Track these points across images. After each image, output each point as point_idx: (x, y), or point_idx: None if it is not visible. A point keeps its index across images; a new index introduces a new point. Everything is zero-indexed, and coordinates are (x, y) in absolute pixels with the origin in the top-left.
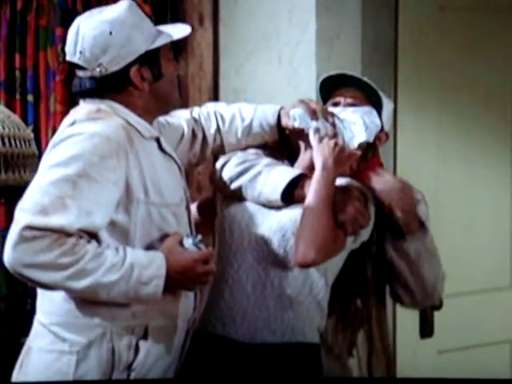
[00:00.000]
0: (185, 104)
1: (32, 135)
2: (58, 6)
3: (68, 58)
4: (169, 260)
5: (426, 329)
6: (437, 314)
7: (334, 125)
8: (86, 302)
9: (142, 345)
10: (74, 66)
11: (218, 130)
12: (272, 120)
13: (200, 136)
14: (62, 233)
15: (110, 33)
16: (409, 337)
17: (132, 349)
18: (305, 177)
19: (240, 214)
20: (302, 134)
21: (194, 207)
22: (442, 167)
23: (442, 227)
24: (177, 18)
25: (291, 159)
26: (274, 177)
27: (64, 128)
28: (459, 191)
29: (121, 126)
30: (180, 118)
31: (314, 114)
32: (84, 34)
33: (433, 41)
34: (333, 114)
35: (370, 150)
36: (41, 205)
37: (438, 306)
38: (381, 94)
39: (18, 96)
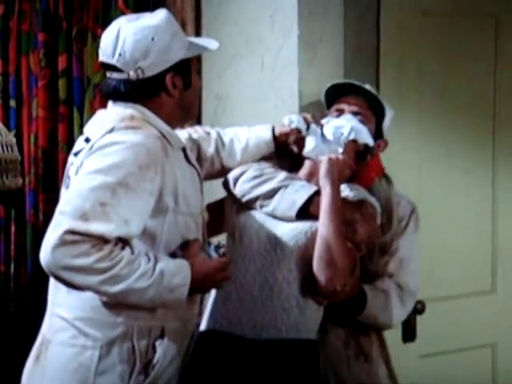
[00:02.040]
0: None
1: (14, 140)
2: (41, 11)
3: (103, 59)
4: (194, 268)
5: (409, 333)
6: (419, 319)
7: (322, 129)
8: (112, 301)
9: (159, 345)
10: (106, 68)
11: (218, 153)
12: (267, 136)
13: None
14: (101, 239)
15: (153, 38)
16: (391, 341)
17: (150, 348)
18: (318, 193)
19: (250, 223)
20: (300, 141)
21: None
22: (423, 172)
23: (424, 232)
24: None
25: (293, 165)
26: (289, 194)
27: (102, 134)
28: (441, 197)
29: (157, 137)
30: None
31: (306, 120)
32: (126, 37)
33: (415, 46)
34: (322, 124)
35: (368, 153)
36: (81, 210)
37: (421, 311)
38: (383, 102)
39: (0, 101)
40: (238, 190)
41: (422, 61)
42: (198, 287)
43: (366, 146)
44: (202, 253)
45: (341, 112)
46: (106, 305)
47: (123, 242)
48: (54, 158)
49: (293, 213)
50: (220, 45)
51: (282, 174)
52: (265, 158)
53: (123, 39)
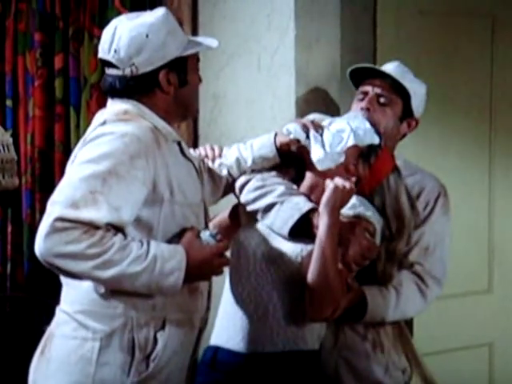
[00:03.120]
0: None
1: (11, 140)
2: (37, 11)
3: (101, 55)
4: (189, 254)
5: None
6: (416, 318)
7: (322, 134)
8: (111, 292)
9: (160, 337)
10: (104, 64)
11: (230, 174)
12: (271, 154)
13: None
14: (91, 225)
15: (147, 35)
16: None
17: (150, 340)
18: (314, 211)
19: (248, 240)
20: (303, 149)
21: (226, 212)
22: None
23: None
24: None
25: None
26: (283, 212)
27: (95, 127)
28: None
29: (149, 129)
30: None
31: (305, 127)
32: (121, 34)
33: (412, 45)
34: (322, 127)
35: (372, 153)
36: (72, 199)
37: None
38: (407, 84)
39: None
40: (242, 199)
41: (419, 60)
42: (196, 274)
43: (370, 145)
44: (198, 239)
45: (365, 94)
46: (104, 297)
47: (115, 228)
48: (51, 157)
49: (285, 232)
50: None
51: (281, 188)
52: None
53: (119, 36)
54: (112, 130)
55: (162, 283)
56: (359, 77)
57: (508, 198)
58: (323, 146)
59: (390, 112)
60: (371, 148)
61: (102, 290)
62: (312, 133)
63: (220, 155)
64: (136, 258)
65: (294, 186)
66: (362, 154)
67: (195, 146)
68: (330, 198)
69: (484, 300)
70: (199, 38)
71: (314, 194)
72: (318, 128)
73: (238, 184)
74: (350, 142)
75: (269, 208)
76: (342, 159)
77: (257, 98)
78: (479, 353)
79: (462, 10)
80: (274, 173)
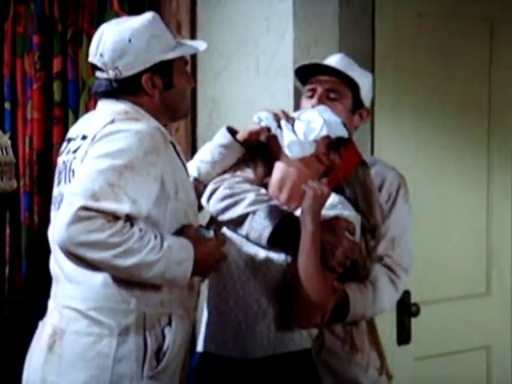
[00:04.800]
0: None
1: (9, 142)
2: (36, 14)
3: (90, 58)
4: (195, 247)
5: (403, 336)
6: (414, 321)
7: (293, 124)
8: (124, 287)
9: (168, 332)
10: (95, 68)
11: (197, 180)
12: (226, 140)
13: None
14: (113, 215)
15: (130, 40)
16: (386, 344)
17: (159, 336)
18: (288, 217)
19: (227, 250)
20: (273, 140)
21: None
22: (418, 174)
23: (419, 235)
24: None
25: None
26: (257, 223)
27: (103, 125)
28: (435, 199)
29: (157, 128)
30: None
31: (276, 116)
32: (106, 39)
33: (410, 48)
34: (293, 118)
35: (341, 144)
36: (91, 190)
37: (415, 313)
38: (353, 74)
39: None
40: (211, 209)
41: (417, 63)
42: (201, 266)
43: (339, 137)
44: (198, 235)
45: (313, 92)
46: (117, 292)
47: (131, 221)
48: (49, 160)
49: (263, 243)
50: (215, 47)
51: (251, 196)
52: (240, 162)
53: (104, 40)
54: (126, 127)
55: (176, 272)
56: (305, 74)
57: (506, 201)
58: (295, 134)
59: (340, 106)
60: (340, 140)
61: (116, 285)
62: (283, 122)
63: None
64: (153, 247)
65: (263, 190)
66: (332, 145)
67: (193, 148)
68: (310, 205)
69: (482, 303)
70: (188, 42)
71: (284, 186)
72: (289, 118)
73: (205, 193)
74: (324, 132)
75: (241, 219)
76: (313, 149)
77: (255, 100)
78: (477, 356)
79: (461, 12)
80: (240, 178)
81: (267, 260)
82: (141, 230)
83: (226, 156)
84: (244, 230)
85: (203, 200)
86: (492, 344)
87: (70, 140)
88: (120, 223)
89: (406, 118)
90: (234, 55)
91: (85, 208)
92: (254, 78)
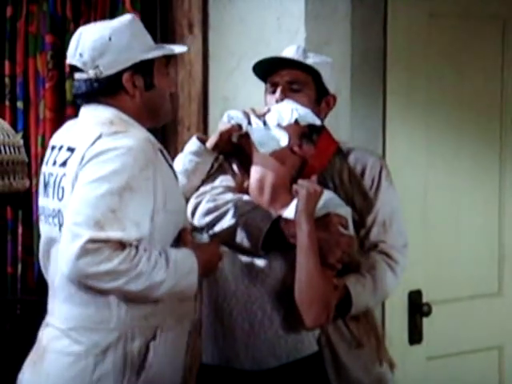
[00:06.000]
0: (175, 111)
1: (22, 142)
2: (48, 13)
3: (68, 60)
4: (196, 254)
5: (415, 336)
6: (425, 321)
7: (265, 120)
8: (103, 307)
9: (152, 346)
10: (73, 70)
11: None
12: (195, 147)
13: None
14: (120, 243)
15: (110, 38)
16: (398, 343)
17: (143, 350)
18: (279, 220)
19: (221, 263)
20: (245, 139)
21: None
22: (430, 173)
23: (431, 235)
24: (166, 25)
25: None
26: (246, 233)
27: (92, 142)
28: (447, 199)
29: (147, 139)
30: None
31: (246, 114)
32: (85, 38)
33: (422, 47)
34: (264, 114)
35: (314, 133)
36: (94, 219)
37: (427, 313)
38: (312, 62)
39: (7, 103)
40: (197, 224)
41: (429, 62)
42: (204, 271)
43: (312, 126)
44: (196, 241)
45: (275, 86)
46: (97, 312)
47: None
48: None
49: (258, 252)
50: (227, 47)
51: (235, 205)
52: (217, 170)
53: (83, 40)
54: (116, 144)
55: (183, 284)
56: (264, 70)
57: None
58: (266, 128)
59: (305, 97)
60: (313, 128)
61: (95, 305)
62: (253, 118)
63: None
64: (161, 267)
65: (245, 197)
66: (305, 135)
67: None
68: (305, 205)
69: (494, 303)
70: (167, 46)
71: (264, 187)
72: (260, 115)
73: (188, 208)
74: (295, 116)
75: (229, 232)
76: (286, 140)
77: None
78: (489, 356)
79: (473, 12)
80: (221, 189)
81: (264, 266)
82: (145, 250)
83: (198, 163)
84: (234, 241)
85: (187, 215)
86: (504, 344)
87: (53, 148)
88: (127, 250)
89: (417, 117)
90: (246, 54)
91: (92, 240)
92: None
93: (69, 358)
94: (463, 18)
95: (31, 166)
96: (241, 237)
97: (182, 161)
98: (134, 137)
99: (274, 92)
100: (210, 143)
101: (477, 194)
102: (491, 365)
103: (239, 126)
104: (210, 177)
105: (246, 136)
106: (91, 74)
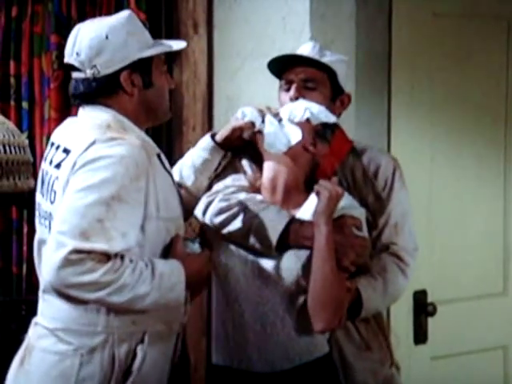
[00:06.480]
0: (180, 111)
1: (27, 142)
2: (53, 13)
3: (65, 59)
4: (185, 265)
5: (420, 335)
6: (430, 321)
7: (280, 118)
8: (91, 310)
9: (140, 350)
10: (71, 69)
11: (179, 184)
12: (206, 143)
13: None
14: (104, 254)
15: (107, 37)
16: (402, 343)
17: (130, 354)
18: (293, 220)
19: (233, 262)
20: (257, 136)
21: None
22: (435, 174)
23: (436, 234)
24: (171, 25)
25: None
26: (260, 234)
27: (85, 148)
28: (452, 199)
29: (141, 146)
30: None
31: (261, 112)
32: (82, 37)
33: (427, 47)
34: (278, 113)
35: (327, 131)
36: (80, 228)
37: (432, 313)
38: (328, 61)
39: (12, 103)
40: (209, 223)
41: (433, 62)
42: (193, 282)
43: (325, 125)
44: (186, 251)
45: (290, 83)
46: (84, 315)
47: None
48: None
49: (271, 252)
50: (231, 47)
51: (248, 205)
52: (228, 168)
53: (80, 39)
54: (108, 152)
55: (169, 297)
56: (279, 68)
57: None
58: (280, 127)
59: (320, 95)
60: (327, 127)
61: (82, 308)
62: (268, 116)
63: None
64: (145, 279)
65: (258, 197)
66: (319, 134)
67: None
68: (326, 207)
69: (499, 303)
70: (168, 41)
71: (277, 187)
72: (275, 114)
73: (199, 206)
74: (307, 114)
75: (242, 232)
76: (299, 138)
77: (271, 99)
78: (494, 356)
79: (477, 12)
80: (234, 188)
81: (276, 266)
82: (131, 261)
83: (206, 159)
84: (247, 241)
85: (198, 213)
86: (509, 344)
87: (52, 145)
88: (111, 261)
89: (422, 116)
90: (251, 54)
91: (76, 251)
92: (271, 78)
93: (55, 357)
94: (467, 17)
95: (36, 166)
96: (254, 237)
97: (192, 155)
98: (128, 144)
99: (288, 90)
100: (220, 136)
101: (481, 193)
102: (496, 364)
103: (252, 124)
104: (218, 175)
105: (259, 134)
106: (89, 73)
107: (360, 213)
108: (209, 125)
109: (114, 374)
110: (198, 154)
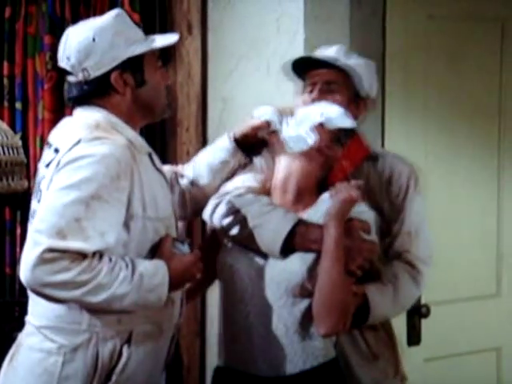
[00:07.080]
0: (173, 112)
1: (20, 143)
2: (47, 14)
3: (58, 63)
4: (170, 267)
5: (413, 337)
6: (424, 322)
7: (296, 120)
8: (76, 308)
9: (125, 349)
10: (66, 72)
11: (191, 183)
12: (225, 143)
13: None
14: (80, 254)
15: (94, 39)
16: None
17: (115, 353)
18: (299, 223)
19: (238, 264)
20: (273, 136)
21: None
22: (428, 175)
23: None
24: (165, 26)
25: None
26: (265, 236)
27: (70, 147)
28: (445, 200)
29: (126, 146)
30: None
31: (278, 112)
32: (71, 41)
33: (421, 49)
34: (294, 114)
35: (343, 136)
36: (57, 227)
37: (425, 315)
38: (352, 64)
39: (6, 103)
40: (216, 224)
41: (427, 64)
42: (178, 283)
43: (343, 129)
44: (174, 250)
45: (313, 85)
46: (68, 313)
47: (100, 251)
48: None
49: (276, 253)
50: (226, 48)
51: (255, 208)
52: (239, 170)
53: (69, 43)
54: (90, 151)
55: (149, 299)
56: (302, 68)
57: None
58: (296, 127)
59: (341, 97)
60: (344, 132)
61: (67, 306)
62: (285, 117)
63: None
64: (124, 279)
65: (266, 199)
66: (335, 137)
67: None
68: (339, 210)
69: (492, 304)
70: (157, 37)
71: (289, 187)
72: (292, 116)
73: (207, 208)
74: (321, 119)
75: (248, 234)
76: (314, 140)
77: (266, 100)
78: (487, 357)
79: (472, 14)
80: (242, 190)
81: (281, 269)
82: (111, 260)
83: (224, 160)
84: (253, 243)
85: (205, 215)
86: (502, 345)
87: (48, 145)
88: (87, 259)
89: (416, 119)
90: (245, 56)
91: (50, 250)
92: (265, 79)
93: (40, 354)
94: (462, 19)
95: (29, 167)
96: (260, 239)
97: (207, 154)
98: (111, 144)
99: (311, 91)
100: (239, 132)
101: (475, 195)
102: (489, 366)
103: (268, 123)
104: (231, 177)
105: (274, 134)
106: (80, 76)
107: (368, 216)
108: (203, 126)
109: (98, 372)
110: (215, 153)
